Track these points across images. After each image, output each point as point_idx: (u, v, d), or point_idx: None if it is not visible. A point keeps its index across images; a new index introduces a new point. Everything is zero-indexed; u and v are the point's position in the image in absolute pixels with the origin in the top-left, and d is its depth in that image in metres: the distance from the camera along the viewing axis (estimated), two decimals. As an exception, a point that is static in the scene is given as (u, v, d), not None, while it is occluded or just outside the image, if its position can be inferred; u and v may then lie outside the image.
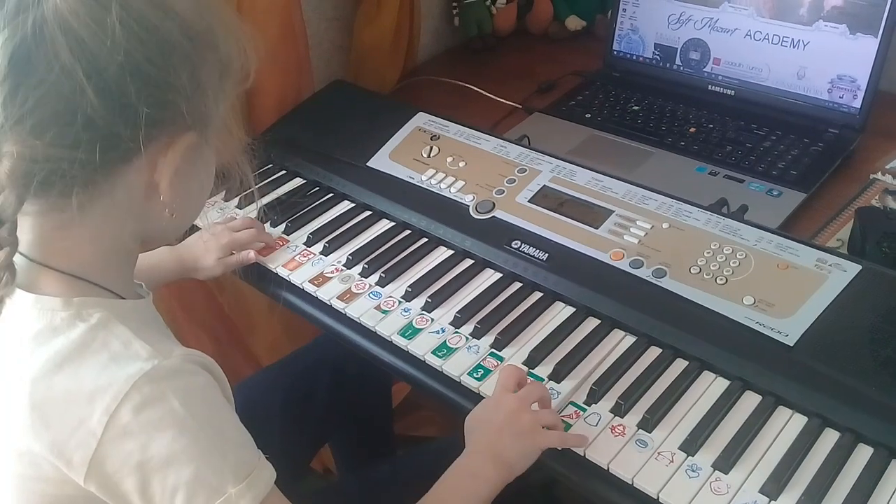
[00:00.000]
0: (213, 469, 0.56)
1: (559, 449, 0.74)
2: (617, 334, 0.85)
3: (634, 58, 1.35)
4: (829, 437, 0.72)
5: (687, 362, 0.80)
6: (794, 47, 1.17)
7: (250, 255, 1.00)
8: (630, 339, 0.84)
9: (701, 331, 0.81)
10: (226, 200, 1.12)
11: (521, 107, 1.33)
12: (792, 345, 0.77)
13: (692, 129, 1.21)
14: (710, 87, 1.27)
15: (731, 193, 1.03)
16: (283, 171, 1.17)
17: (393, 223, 1.05)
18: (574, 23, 1.55)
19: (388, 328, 0.89)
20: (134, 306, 0.63)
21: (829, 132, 1.15)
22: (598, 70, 1.39)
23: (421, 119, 1.16)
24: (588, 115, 1.27)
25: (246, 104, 1.24)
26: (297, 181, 1.15)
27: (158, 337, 0.60)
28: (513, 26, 1.58)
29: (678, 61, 1.30)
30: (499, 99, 1.34)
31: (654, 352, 0.82)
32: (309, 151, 1.17)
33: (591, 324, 0.86)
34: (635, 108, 1.28)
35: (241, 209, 1.11)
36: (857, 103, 1.14)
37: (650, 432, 0.74)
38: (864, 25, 1.11)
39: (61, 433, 0.55)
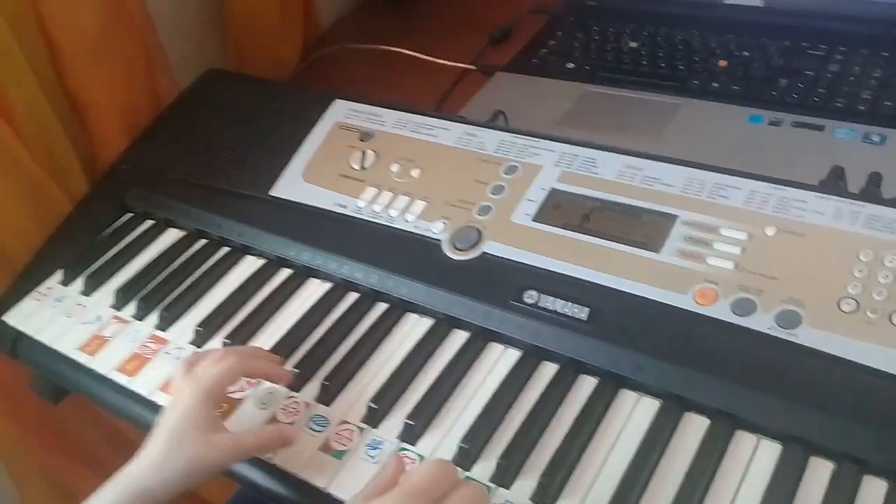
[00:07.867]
0: None
1: None
2: (745, 440, 0.49)
3: (615, -24, 0.99)
4: None
5: (887, 482, 0.46)
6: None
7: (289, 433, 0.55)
8: (774, 447, 0.49)
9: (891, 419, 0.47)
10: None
11: (474, 67, 0.99)
12: None
13: (721, 63, 0.87)
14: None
15: (813, 150, 0.69)
16: (151, 222, 0.78)
17: (329, 284, 0.67)
18: (518, -56, 1.18)
19: (345, 483, 0.52)
20: None
21: (918, 38, 0.82)
22: (566, 1, 1.03)
23: (340, 110, 0.79)
24: (571, 66, 0.93)
25: (79, 127, 0.84)
26: (173, 234, 0.77)
27: None
28: (438, -39, 1.21)
29: (678, -29, 0.94)
30: (441, 61, 1.01)
31: (822, 466, 0.47)
32: (183, 185, 0.79)
33: (695, 423, 0.51)
34: (633, 44, 0.94)
35: (199, 347, 0.67)
36: (954, -10, 0.81)
37: None
38: None
39: None
